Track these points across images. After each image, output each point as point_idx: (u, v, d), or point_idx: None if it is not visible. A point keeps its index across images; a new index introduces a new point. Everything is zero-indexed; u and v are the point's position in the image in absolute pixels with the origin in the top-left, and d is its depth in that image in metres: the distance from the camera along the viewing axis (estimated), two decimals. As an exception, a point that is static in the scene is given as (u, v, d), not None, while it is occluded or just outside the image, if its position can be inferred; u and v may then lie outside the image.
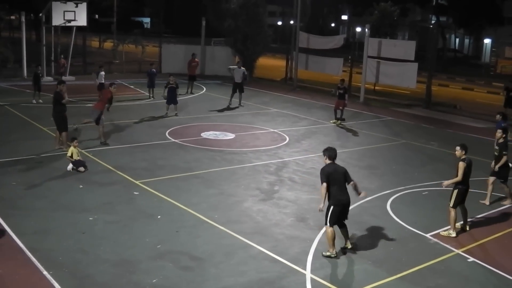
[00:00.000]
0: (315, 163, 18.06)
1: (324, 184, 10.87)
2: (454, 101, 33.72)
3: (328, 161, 11.22)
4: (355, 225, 12.83)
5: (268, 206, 13.94)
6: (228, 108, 27.65)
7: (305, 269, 10.52)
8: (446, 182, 12.69)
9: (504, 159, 14.84)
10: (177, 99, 24.82)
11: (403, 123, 26.69)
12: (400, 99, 34.45)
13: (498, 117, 19.14)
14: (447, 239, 12.29)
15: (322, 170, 11.08)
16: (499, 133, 15.38)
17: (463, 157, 12.62)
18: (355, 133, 23.56)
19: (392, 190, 15.65)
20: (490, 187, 15.11)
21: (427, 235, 12.45)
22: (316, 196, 14.68)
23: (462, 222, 12.94)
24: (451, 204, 12.58)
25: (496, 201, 15.20)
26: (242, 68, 29.07)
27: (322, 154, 11.51)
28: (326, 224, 11.13)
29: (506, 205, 15.04)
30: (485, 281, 10.54)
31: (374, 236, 12.36)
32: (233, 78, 28.85)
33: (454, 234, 12.44)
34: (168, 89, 24.38)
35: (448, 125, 26.37)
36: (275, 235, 12.12)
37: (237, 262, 10.69)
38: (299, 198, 14.61)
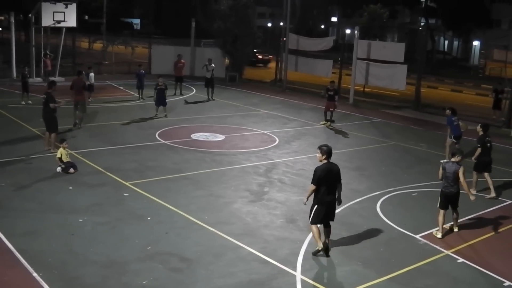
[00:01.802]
0: (304, 165, 18.09)
1: (313, 187, 11.03)
2: (443, 103, 33.83)
3: (324, 160, 11.20)
4: (345, 226, 12.87)
5: (257, 207, 13.94)
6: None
7: (295, 270, 10.53)
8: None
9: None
10: (166, 100, 24.79)
11: (392, 124, 26.78)
12: (389, 101, 34.54)
13: (447, 112, 19.49)
14: (436, 240, 12.33)
15: (316, 170, 11.08)
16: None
17: (454, 160, 12.85)
18: (344, 135, 23.61)
19: (381, 192, 15.70)
20: (489, 181, 15.86)
21: (417, 236, 12.49)
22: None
23: (451, 223, 13.00)
24: (438, 205, 12.76)
25: (491, 203, 15.38)
26: (212, 65, 31.17)
27: (318, 150, 11.34)
28: (309, 222, 11.32)
29: (491, 198, 15.75)
30: (474, 282, 10.59)
31: (363, 237, 12.39)
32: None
33: (439, 235, 12.47)
34: (157, 90, 24.36)
35: (437, 127, 26.43)
36: (264, 237, 12.12)
37: (226, 264, 10.69)
38: (288, 200, 14.61)
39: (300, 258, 11.06)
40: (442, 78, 51.08)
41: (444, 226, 12.66)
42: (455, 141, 18.95)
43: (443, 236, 12.52)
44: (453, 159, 12.84)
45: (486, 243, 12.55)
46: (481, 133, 16.23)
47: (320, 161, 11.26)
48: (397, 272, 10.72)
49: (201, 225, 12.50)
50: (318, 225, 11.26)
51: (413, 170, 18.41)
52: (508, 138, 24.93)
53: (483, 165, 16.00)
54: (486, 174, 16.03)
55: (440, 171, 12.76)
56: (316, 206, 11.14)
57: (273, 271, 10.48)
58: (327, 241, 11.38)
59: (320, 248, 11.15)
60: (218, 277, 10.11)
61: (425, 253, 11.69)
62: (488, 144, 15.99)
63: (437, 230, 12.63)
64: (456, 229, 12.96)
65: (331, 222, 11.43)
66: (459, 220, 13.13)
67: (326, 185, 11.03)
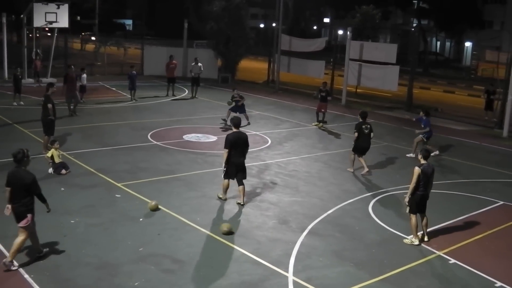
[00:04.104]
0: (297, 166, 18.11)
1: (227, 150, 13.72)
2: (436, 103, 33.95)
3: (234, 129, 14.02)
4: (337, 227, 12.89)
5: (250, 208, 13.93)
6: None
7: (287, 272, 10.53)
8: (406, 199, 12.37)
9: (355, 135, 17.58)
10: (236, 107, 24.38)
11: (384, 125, 26.81)
12: (381, 101, 34.60)
13: (421, 113, 20.50)
14: (428, 241, 12.33)
15: (227, 137, 13.80)
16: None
17: (422, 162, 12.23)
18: (337, 136, 23.64)
19: (374, 192, 15.73)
20: (362, 161, 17.86)
21: (409, 237, 12.49)
22: (298, 199, 14.82)
23: (421, 232, 12.49)
24: (407, 210, 12.30)
25: (483, 203, 15.37)
26: (199, 64, 31.86)
27: (230, 121, 14.58)
28: (223, 177, 14.13)
29: (364, 173, 17.50)
30: (466, 283, 10.61)
31: (356, 238, 12.40)
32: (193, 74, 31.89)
33: (416, 242, 12.17)
34: (235, 102, 24.29)
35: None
36: (257, 238, 12.12)
37: (219, 265, 10.68)
38: (281, 201, 14.62)
39: (292, 259, 11.07)
40: (435, 79, 51.31)
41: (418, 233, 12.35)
42: (425, 140, 19.96)
43: (420, 242, 12.25)
44: (425, 161, 12.31)
45: (478, 244, 12.57)
46: (360, 120, 17.77)
47: (232, 129, 14.09)
48: (390, 273, 10.74)
49: (194, 226, 12.49)
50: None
51: (406, 171, 18.33)
52: (501, 139, 25.01)
53: (360, 148, 17.78)
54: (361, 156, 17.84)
55: (418, 173, 12.02)
56: (228, 165, 13.87)
57: (265, 272, 10.48)
58: (243, 198, 14.04)
59: (224, 199, 14.19)
60: (210, 278, 10.10)
61: (417, 254, 11.71)
62: (366, 131, 17.54)
63: (411, 238, 12.28)
64: (426, 238, 12.40)
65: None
66: (447, 222, 13.07)
67: (237, 149, 13.81)
